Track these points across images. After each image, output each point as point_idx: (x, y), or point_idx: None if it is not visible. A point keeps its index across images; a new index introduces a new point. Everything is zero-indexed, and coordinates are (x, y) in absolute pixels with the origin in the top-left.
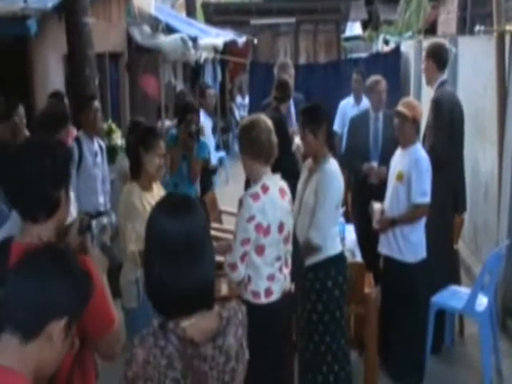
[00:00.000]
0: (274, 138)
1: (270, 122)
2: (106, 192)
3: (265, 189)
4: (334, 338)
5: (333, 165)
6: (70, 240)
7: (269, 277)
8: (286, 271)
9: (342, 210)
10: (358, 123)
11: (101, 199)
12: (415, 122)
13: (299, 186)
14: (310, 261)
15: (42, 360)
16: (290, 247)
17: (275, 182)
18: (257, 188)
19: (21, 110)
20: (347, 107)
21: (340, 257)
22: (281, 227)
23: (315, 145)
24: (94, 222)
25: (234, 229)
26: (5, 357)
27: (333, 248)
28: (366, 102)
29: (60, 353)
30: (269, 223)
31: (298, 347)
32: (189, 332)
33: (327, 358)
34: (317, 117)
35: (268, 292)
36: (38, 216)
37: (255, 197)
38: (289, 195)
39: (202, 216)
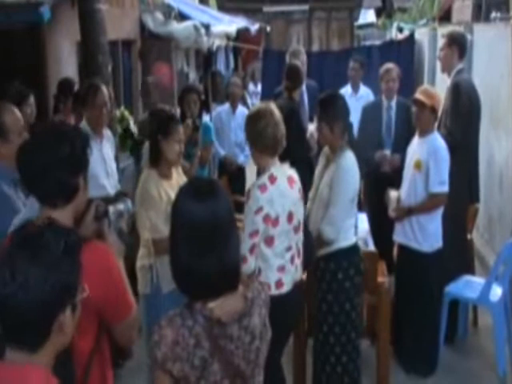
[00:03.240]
0: (282, 130)
1: (277, 112)
2: (113, 178)
3: (272, 179)
4: (343, 330)
5: (349, 158)
6: (86, 226)
7: (279, 268)
8: (298, 262)
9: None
10: (371, 112)
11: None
12: (433, 110)
13: (316, 173)
14: (322, 251)
15: (59, 348)
16: (301, 236)
17: (283, 172)
18: (264, 179)
19: (31, 99)
20: (345, 96)
21: (353, 249)
22: (290, 217)
23: (331, 138)
24: (110, 209)
25: (244, 219)
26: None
27: (345, 239)
28: (364, 91)
29: (74, 327)
30: (277, 214)
31: (312, 335)
32: (216, 312)
33: (335, 349)
34: (333, 110)
35: (278, 284)
36: (57, 202)
37: (263, 188)
38: (298, 184)
39: (227, 199)
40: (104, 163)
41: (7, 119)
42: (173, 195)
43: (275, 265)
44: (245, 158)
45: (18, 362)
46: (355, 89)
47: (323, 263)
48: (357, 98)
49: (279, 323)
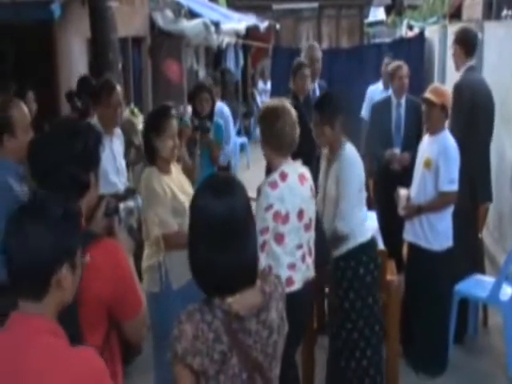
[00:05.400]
0: (297, 129)
1: (293, 110)
2: (123, 175)
3: (283, 176)
4: (367, 324)
5: (350, 150)
6: (96, 223)
7: (289, 266)
8: (310, 260)
9: (365, 195)
10: (381, 109)
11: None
12: (443, 108)
13: (320, 177)
14: (341, 250)
15: (59, 303)
16: (312, 234)
17: (294, 169)
18: (275, 176)
19: (30, 95)
20: (376, 93)
21: (370, 243)
22: (300, 214)
23: (333, 136)
24: (121, 206)
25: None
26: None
27: (362, 234)
28: None
29: (74, 285)
30: (287, 211)
31: (329, 334)
32: (234, 307)
33: (360, 344)
34: (333, 107)
35: (289, 281)
36: (68, 198)
37: (273, 185)
38: (310, 181)
39: (245, 195)
40: (114, 160)
41: (15, 114)
42: (175, 189)
43: (285, 262)
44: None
45: (26, 310)
46: (387, 86)
47: (343, 262)
48: (388, 94)
49: (290, 321)
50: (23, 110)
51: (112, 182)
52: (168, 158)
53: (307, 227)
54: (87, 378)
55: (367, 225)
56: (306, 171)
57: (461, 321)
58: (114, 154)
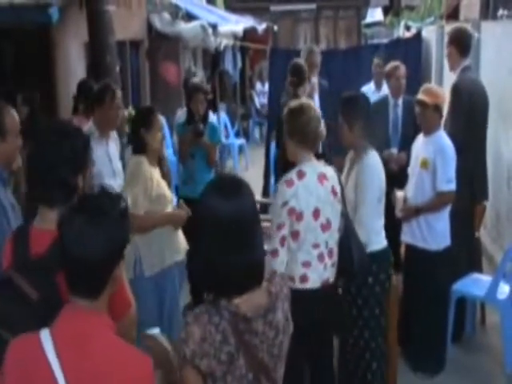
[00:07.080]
0: (322, 127)
1: (317, 109)
2: (120, 177)
3: (300, 175)
4: (372, 335)
5: (372, 158)
6: None
7: (304, 263)
8: (329, 261)
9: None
10: (377, 109)
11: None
12: (437, 108)
13: (342, 178)
14: None
15: (109, 295)
16: (333, 236)
17: (314, 168)
18: (292, 174)
19: (18, 98)
20: (368, 94)
21: (384, 252)
22: (316, 213)
23: (349, 137)
24: None
25: (270, 216)
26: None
27: (377, 243)
28: (386, 88)
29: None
30: (301, 209)
31: (339, 338)
32: (241, 308)
33: (365, 355)
34: (354, 110)
35: (303, 278)
36: (56, 201)
37: (289, 183)
38: (332, 181)
39: (252, 197)
40: (110, 163)
41: (8, 120)
42: (160, 181)
43: (300, 259)
44: None
45: (82, 305)
46: (378, 86)
47: None
48: (380, 96)
49: (305, 318)
50: (15, 117)
51: (108, 185)
52: (158, 149)
53: (324, 227)
54: (137, 378)
55: (383, 234)
56: (328, 171)
57: (458, 319)
58: (109, 156)
